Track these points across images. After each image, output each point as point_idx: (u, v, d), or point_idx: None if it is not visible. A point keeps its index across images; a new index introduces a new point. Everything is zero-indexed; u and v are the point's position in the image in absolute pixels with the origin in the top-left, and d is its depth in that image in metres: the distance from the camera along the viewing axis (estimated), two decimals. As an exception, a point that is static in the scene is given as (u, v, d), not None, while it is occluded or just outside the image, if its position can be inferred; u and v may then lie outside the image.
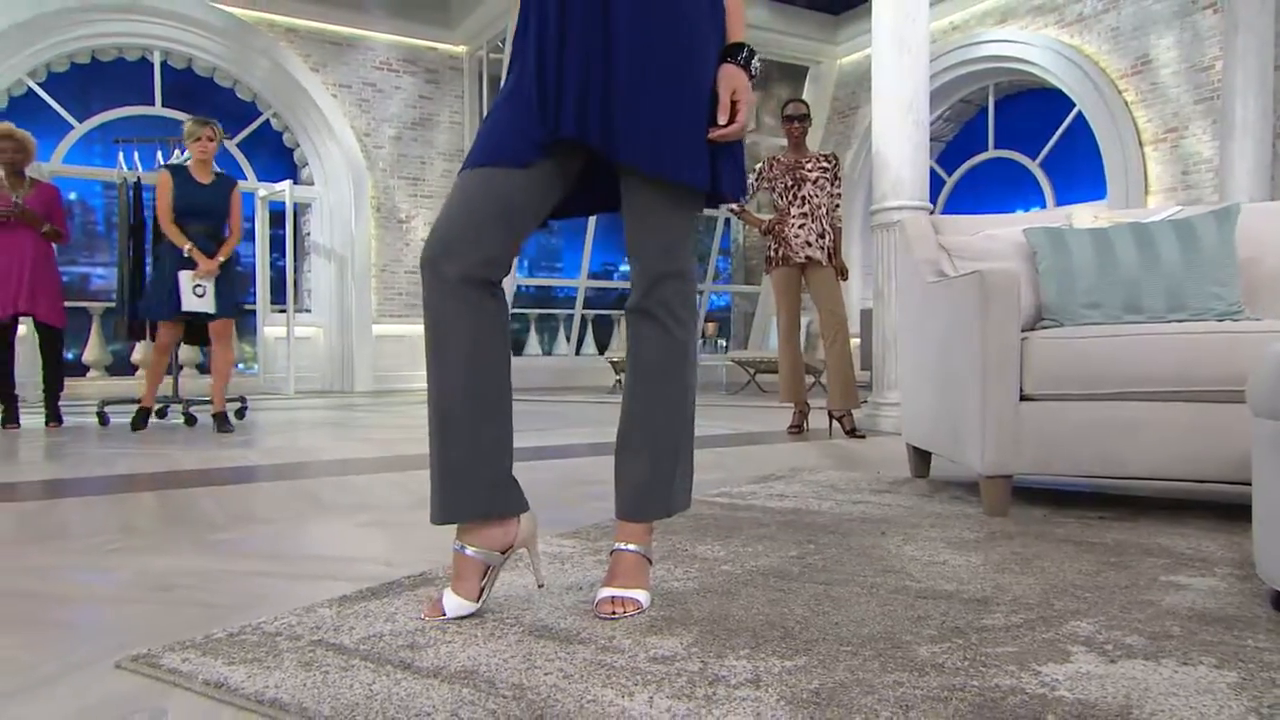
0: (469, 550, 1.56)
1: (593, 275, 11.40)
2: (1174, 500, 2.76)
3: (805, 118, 4.91)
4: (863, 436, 4.61)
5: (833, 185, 4.79)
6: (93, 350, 9.53)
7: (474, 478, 1.56)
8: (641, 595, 1.59)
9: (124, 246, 5.68)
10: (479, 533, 1.57)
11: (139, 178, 5.78)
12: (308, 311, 9.82)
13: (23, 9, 7.95)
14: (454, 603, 1.55)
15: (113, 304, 7.98)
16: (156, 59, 8.84)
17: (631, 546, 1.63)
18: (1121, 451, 2.42)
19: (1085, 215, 2.88)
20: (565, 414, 7.10)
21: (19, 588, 1.93)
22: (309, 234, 9.85)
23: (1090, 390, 2.42)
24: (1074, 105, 8.44)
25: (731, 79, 1.60)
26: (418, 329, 10.05)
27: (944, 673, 1.34)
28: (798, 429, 4.83)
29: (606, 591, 1.59)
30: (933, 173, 9.97)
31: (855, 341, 9.94)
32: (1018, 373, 2.43)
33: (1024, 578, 1.87)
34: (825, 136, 10.95)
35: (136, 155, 6.00)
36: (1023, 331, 2.53)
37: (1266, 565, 1.66)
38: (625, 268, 13.52)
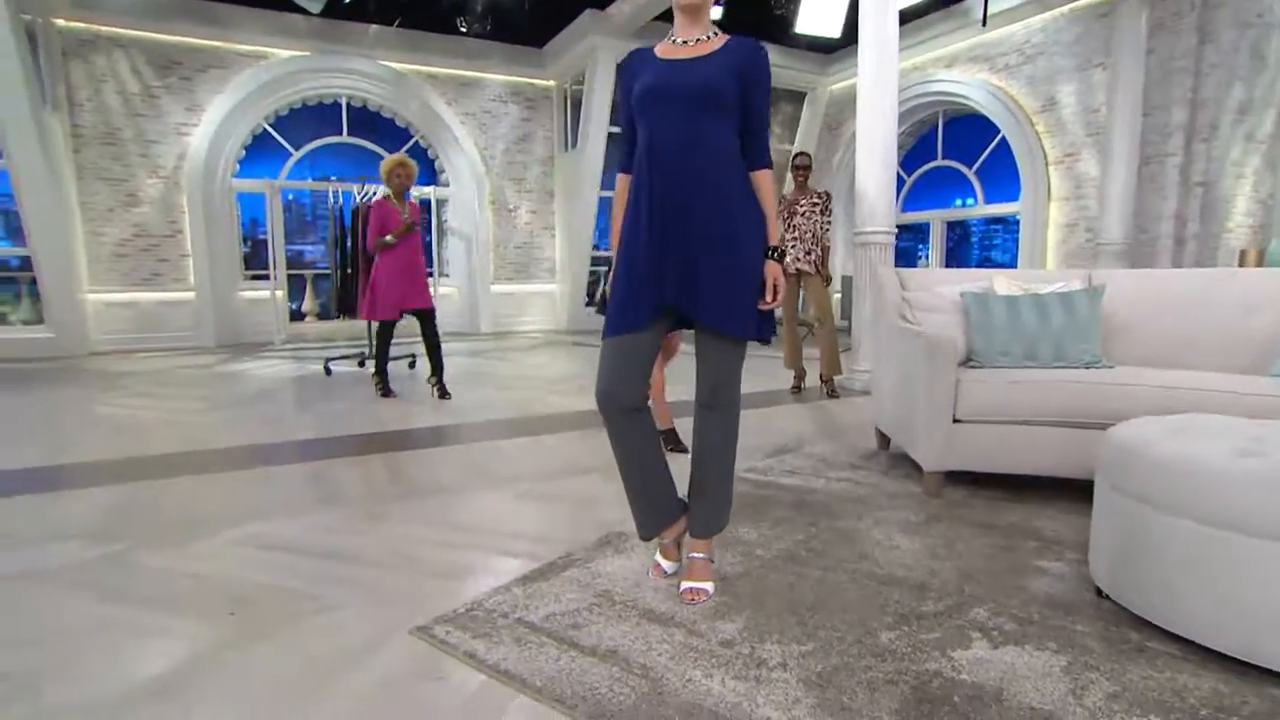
0: (666, 540, 1.94)
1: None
2: (1051, 481, 2.74)
3: (808, 167, 4.91)
4: (838, 396, 4.77)
5: (822, 215, 4.81)
6: (308, 302, 9.92)
7: (656, 508, 1.90)
8: (709, 585, 1.85)
9: (332, 248, 5.94)
10: (668, 530, 1.92)
11: (340, 205, 5.97)
12: (447, 276, 10.03)
13: (263, 75, 8.24)
14: (668, 565, 1.95)
15: (322, 271, 8.51)
16: (344, 101, 8.90)
17: (700, 554, 1.88)
18: (1019, 457, 2.55)
19: (1003, 282, 2.95)
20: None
21: (324, 547, 2.18)
22: (446, 220, 9.97)
23: (1000, 417, 2.55)
24: (999, 131, 8.12)
25: (772, 271, 1.76)
26: (524, 288, 10.28)
27: (896, 658, 1.57)
28: (797, 389, 4.99)
29: (686, 584, 1.84)
30: (897, 174, 9.72)
31: (837, 297, 9.95)
32: (952, 405, 2.56)
33: (947, 563, 2.05)
34: (819, 144, 10.66)
35: (341, 192, 6.15)
36: (958, 366, 2.65)
37: (1095, 568, 1.84)
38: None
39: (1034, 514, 2.45)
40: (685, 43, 1.75)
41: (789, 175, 5.05)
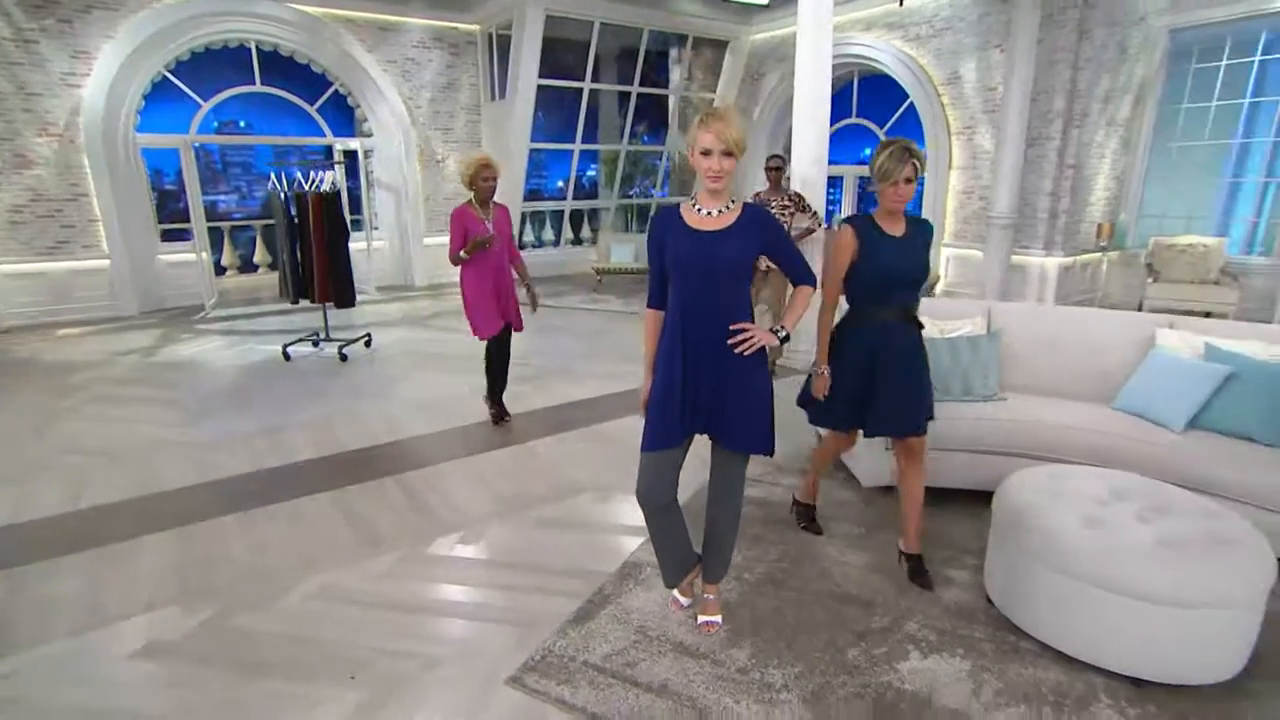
0: (685, 582, 2.45)
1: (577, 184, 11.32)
2: (957, 490, 3.25)
3: (780, 168, 5.21)
4: (776, 375, 5.35)
5: (802, 214, 5.18)
6: (228, 256, 9.49)
7: (679, 565, 2.40)
8: (719, 618, 2.41)
9: (282, 238, 5.78)
10: (687, 577, 2.43)
11: (284, 192, 5.76)
12: (376, 229, 9.79)
13: (163, 18, 7.51)
14: (685, 600, 2.48)
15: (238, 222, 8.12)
16: (253, 46, 8.23)
17: (711, 595, 2.44)
18: (936, 474, 3.17)
19: (931, 327, 3.52)
20: (581, 335, 7.52)
21: (392, 598, 2.53)
22: (372, 172, 9.63)
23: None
24: (909, 96, 8.65)
25: (759, 333, 2.07)
26: (456, 238, 10.18)
27: (861, 673, 2.20)
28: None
29: (703, 618, 2.41)
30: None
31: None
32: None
33: (887, 578, 2.68)
34: (740, 93, 10.85)
35: (284, 175, 5.89)
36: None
37: (988, 584, 2.53)
38: (592, 172, 13.31)
39: (946, 520, 3.11)
40: (709, 214, 2.11)
41: (762, 174, 5.34)
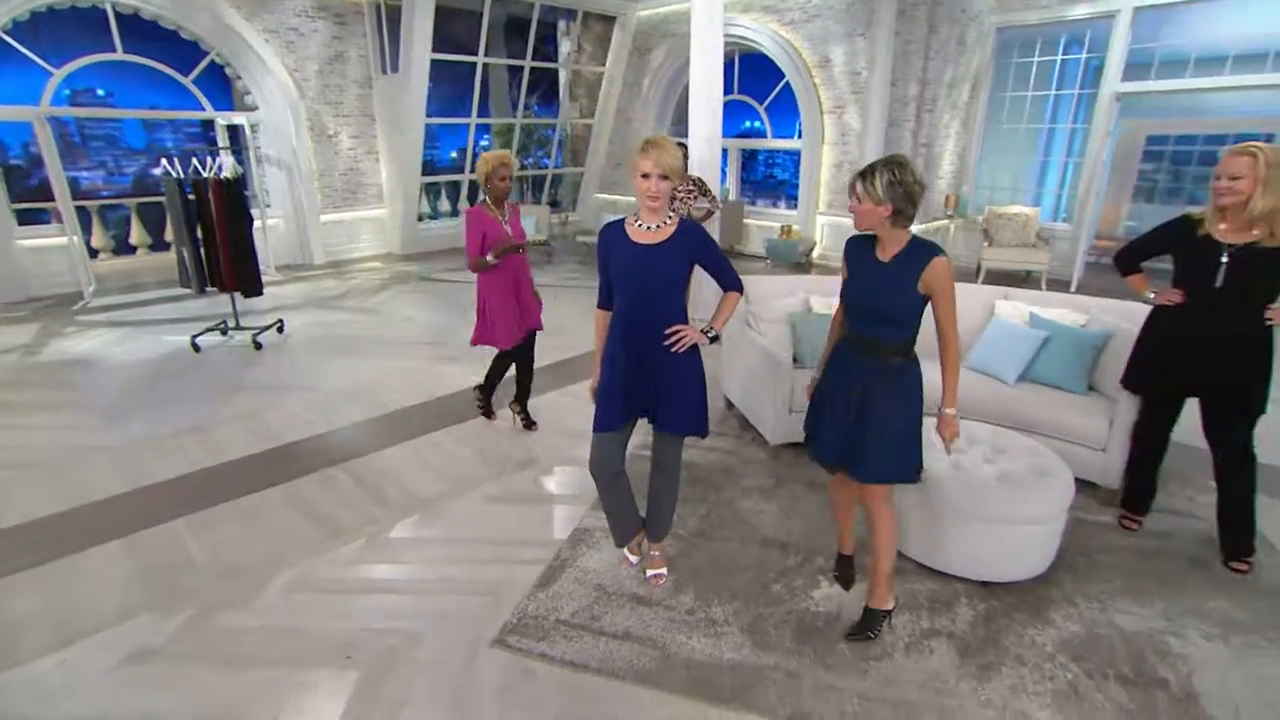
0: (634, 542, 2.68)
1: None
2: None
3: (684, 156, 5.43)
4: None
5: (703, 196, 5.40)
6: (99, 238, 8.53)
7: (627, 527, 2.63)
8: (664, 570, 2.71)
9: (181, 226, 5.30)
10: (634, 537, 2.65)
11: (179, 175, 5.26)
12: (269, 207, 9.11)
13: None
14: (633, 558, 2.72)
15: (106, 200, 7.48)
16: (109, 8, 7.24)
17: (656, 552, 2.73)
18: None
19: (818, 301, 3.93)
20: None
21: (366, 582, 2.62)
22: (260, 147, 8.88)
23: (815, 406, 3.62)
24: (785, 76, 9.05)
25: (689, 331, 2.29)
26: (353, 214, 9.68)
27: (783, 603, 2.57)
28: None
29: (651, 572, 2.69)
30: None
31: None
32: (788, 403, 3.55)
33: (797, 522, 3.08)
34: (628, 67, 10.85)
35: (177, 161, 5.37)
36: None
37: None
38: (485, 142, 12.88)
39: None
40: (648, 228, 2.31)
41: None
